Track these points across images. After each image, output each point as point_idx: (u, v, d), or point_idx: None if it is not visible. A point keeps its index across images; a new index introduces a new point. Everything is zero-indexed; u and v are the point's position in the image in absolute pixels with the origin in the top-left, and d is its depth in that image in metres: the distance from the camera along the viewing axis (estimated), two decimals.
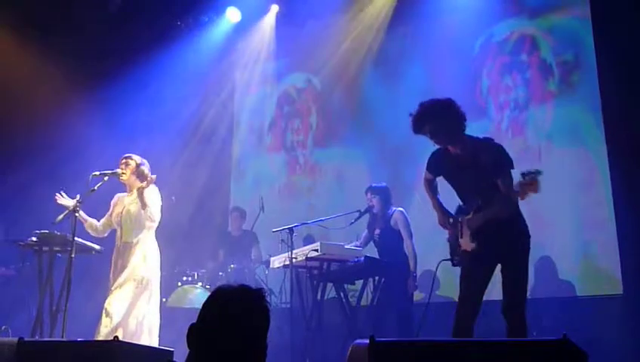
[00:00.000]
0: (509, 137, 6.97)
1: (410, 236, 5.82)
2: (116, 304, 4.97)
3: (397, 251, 5.83)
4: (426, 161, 4.29)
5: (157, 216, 5.27)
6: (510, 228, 3.92)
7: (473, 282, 3.97)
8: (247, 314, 1.88)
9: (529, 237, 3.97)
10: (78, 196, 5.14)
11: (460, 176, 4.06)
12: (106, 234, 5.49)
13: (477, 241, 3.94)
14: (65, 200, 5.22)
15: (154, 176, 5.15)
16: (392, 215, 5.90)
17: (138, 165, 5.34)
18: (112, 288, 5.07)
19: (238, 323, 1.85)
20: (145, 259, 5.18)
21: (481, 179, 3.93)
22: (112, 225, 5.42)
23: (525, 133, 6.97)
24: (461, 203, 4.18)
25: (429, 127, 3.97)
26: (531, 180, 3.60)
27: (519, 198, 3.75)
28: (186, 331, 1.90)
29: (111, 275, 5.18)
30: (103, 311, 4.98)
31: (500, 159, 3.93)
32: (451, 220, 4.17)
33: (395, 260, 5.76)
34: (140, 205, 5.18)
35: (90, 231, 5.42)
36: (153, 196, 5.26)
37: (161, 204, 5.35)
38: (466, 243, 4.01)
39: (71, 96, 7.67)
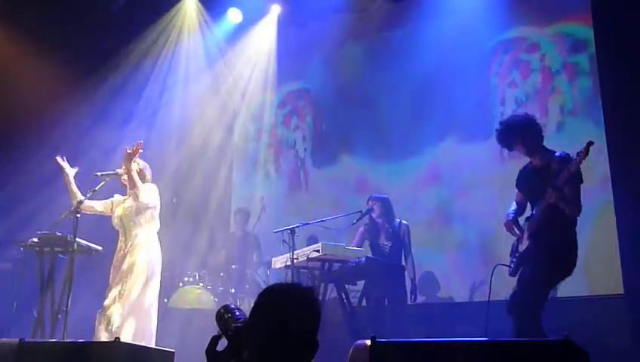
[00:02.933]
0: None
1: (411, 246, 6.15)
2: (117, 304, 4.96)
3: (403, 261, 6.13)
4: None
5: (152, 201, 5.27)
6: (555, 234, 4.10)
7: (520, 280, 4.18)
8: (300, 313, 1.92)
9: (569, 252, 4.11)
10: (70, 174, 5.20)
11: (533, 182, 4.32)
12: (79, 203, 5.18)
13: (530, 240, 4.17)
14: (65, 163, 5.29)
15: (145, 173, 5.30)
16: (400, 227, 6.16)
17: (140, 169, 5.35)
18: (113, 288, 5.06)
19: (291, 321, 1.89)
20: (146, 260, 5.17)
21: (547, 185, 4.10)
22: (96, 210, 5.40)
23: None
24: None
25: (520, 140, 4.30)
26: (586, 148, 3.92)
27: (579, 165, 3.98)
28: (232, 333, 2.01)
29: (111, 276, 5.18)
30: (104, 312, 4.98)
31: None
32: (517, 229, 4.34)
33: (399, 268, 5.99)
34: (134, 198, 5.19)
35: (73, 199, 5.26)
36: (150, 193, 5.27)
37: (159, 202, 5.36)
38: (524, 245, 4.24)
39: (75, 97, 7.65)
